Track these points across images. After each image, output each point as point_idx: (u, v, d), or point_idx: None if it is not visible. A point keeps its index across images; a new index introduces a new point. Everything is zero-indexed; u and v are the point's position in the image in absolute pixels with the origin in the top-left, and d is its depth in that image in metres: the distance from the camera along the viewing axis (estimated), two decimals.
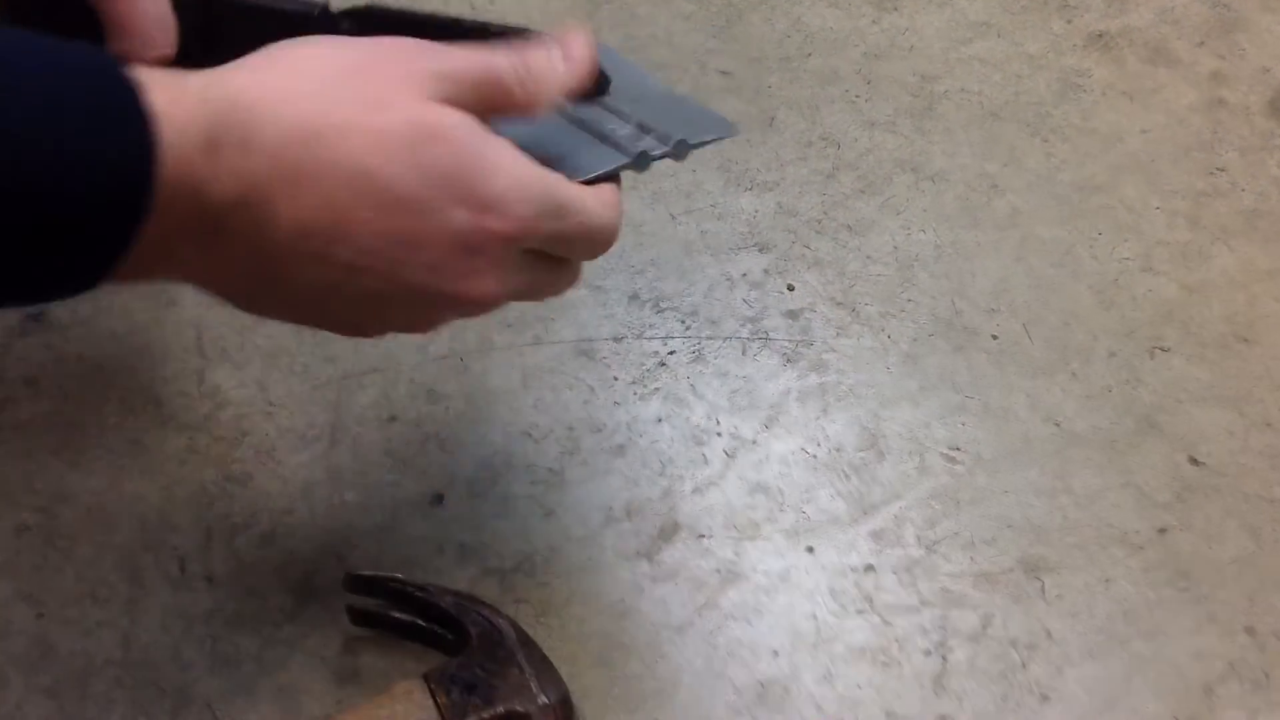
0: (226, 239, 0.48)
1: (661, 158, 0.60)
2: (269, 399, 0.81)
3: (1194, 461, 0.81)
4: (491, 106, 0.54)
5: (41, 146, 0.42)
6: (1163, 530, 0.78)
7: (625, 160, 0.59)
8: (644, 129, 0.60)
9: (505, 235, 0.52)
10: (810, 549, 0.77)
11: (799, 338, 0.86)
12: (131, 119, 0.44)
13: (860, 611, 0.75)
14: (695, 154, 0.93)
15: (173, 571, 0.75)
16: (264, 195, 0.48)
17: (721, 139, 0.63)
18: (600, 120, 0.61)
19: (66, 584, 0.74)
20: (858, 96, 1.00)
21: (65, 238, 0.44)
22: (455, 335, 0.84)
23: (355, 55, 0.51)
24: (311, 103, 0.49)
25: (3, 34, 0.45)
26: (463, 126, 0.51)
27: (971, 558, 0.77)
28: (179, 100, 0.46)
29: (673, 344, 0.86)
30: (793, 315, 0.88)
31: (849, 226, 0.92)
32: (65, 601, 0.73)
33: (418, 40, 0.53)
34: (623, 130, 0.60)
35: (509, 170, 0.52)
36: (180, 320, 0.84)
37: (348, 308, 0.53)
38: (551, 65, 0.55)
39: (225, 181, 0.47)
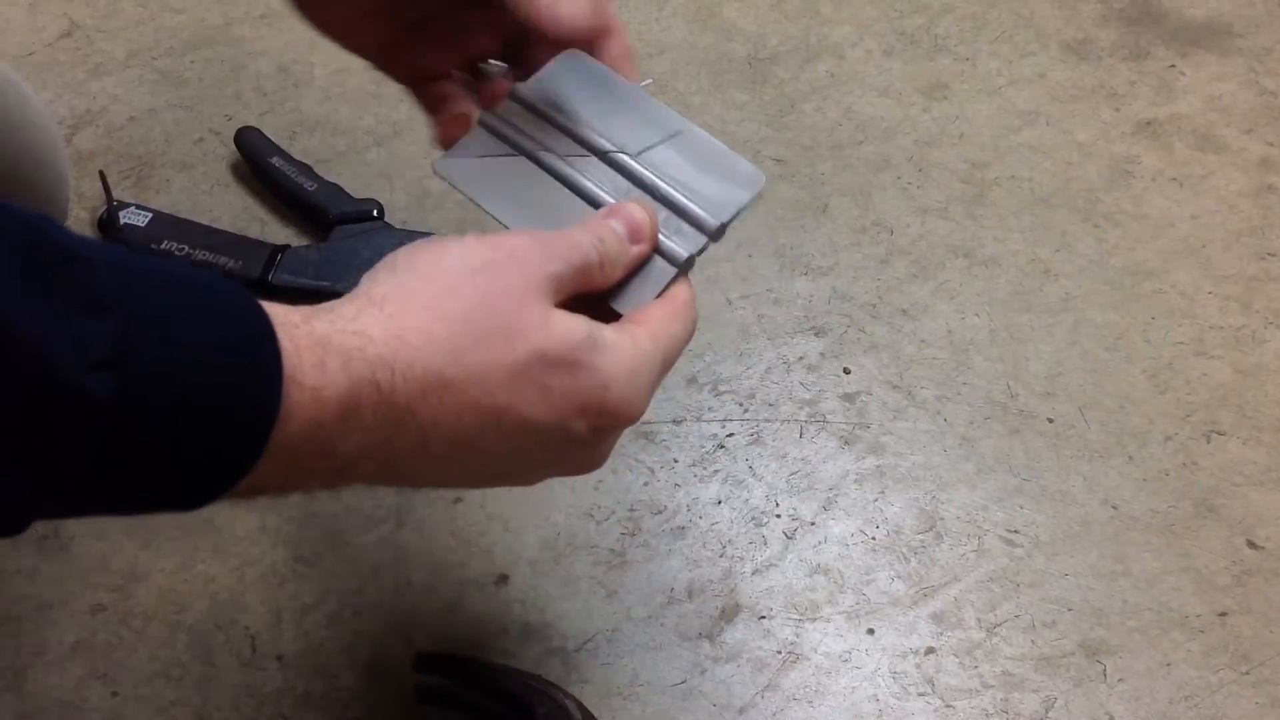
0: (351, 474, 0.51)
1: (702, 252, 0.60)
2: None
3: (1252, 545, 0.81)
4: (581, 290, 0.56)
5: (172, 388, 0.44)
6: (1223, 614, 0.78)
7: (671, 274, 0.59)
8: (675, 208, 0.60)
9: (622, 428, 0.57)
10: (871, 631, 0.78)
11: (856, 420, 0.88)
12: (267, 385, 0.46)
13: (922, 694, 0.75)
14: (750, 240, 0.96)
15: (244, 651, 0.76)
16: (393, 446, 0.51)
17: (753, 200, 0.62)
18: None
19: (140, 663, 0.75)
20: (910, 183, 1.02)
21: (171, 472, 0.45)
22: None
23: (482, 281, 0.52)
24: (446, 350, 0.50)
25: (164, 267, 0.46)
26: (582, 346, 0.53)
27: (1032, 640, 0.77)
28: (323, 365, 0.47)
29: (731, 426, 0.87)
30: (849, 398, 0.89)
31: (903, 311, 0.94)
32: (139, 680, 0.75)
33: (532, 240, 0.55)
34: (661, 222, 0.60)
35: (623, 378, 0.54)
36: None
37: (470, 483, 0.60)
38: (622, 244, 0.58)
39: (356, 437, 0.49)
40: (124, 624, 0.77)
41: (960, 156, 1.04)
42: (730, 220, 0.61)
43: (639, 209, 0.59)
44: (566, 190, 0.61)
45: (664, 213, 0.60)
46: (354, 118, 1.06)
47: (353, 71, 1.10)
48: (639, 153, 0.62)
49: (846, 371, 0.90)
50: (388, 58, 0.67)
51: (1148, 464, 0.85)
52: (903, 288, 0.95)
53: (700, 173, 0.61)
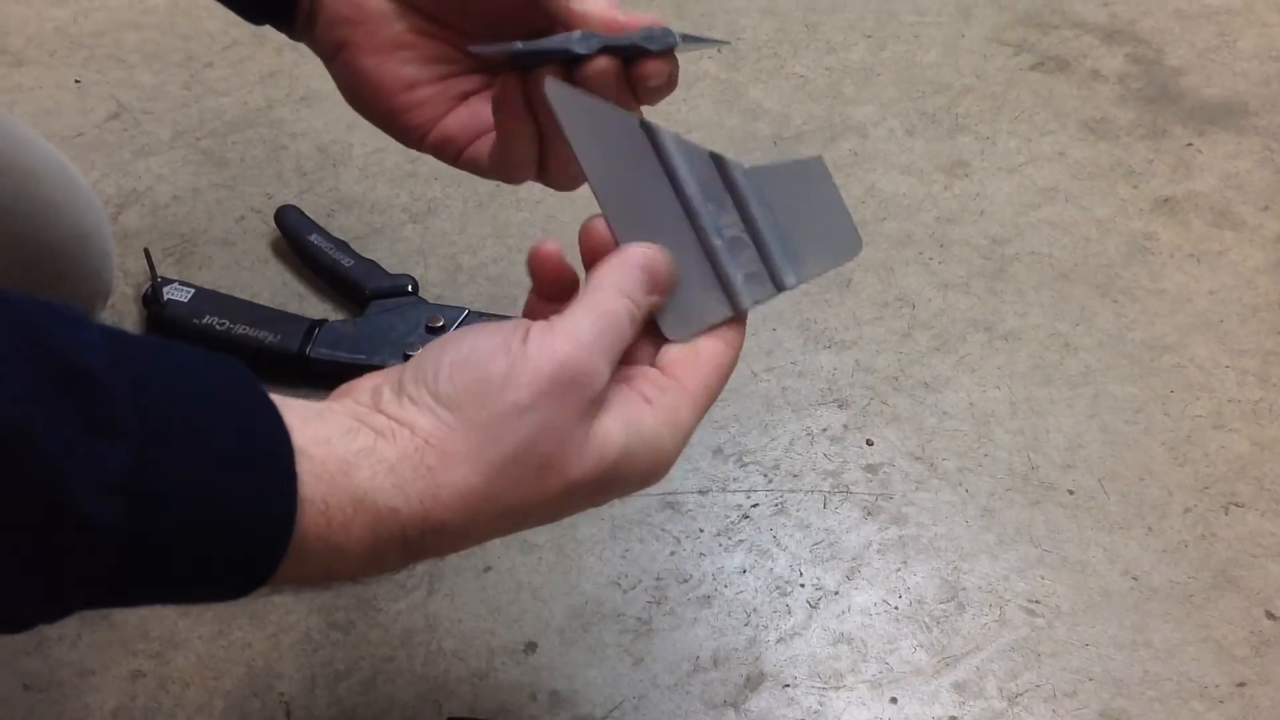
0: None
1: (764, 300, 0.57)
2: None
3: (1271, 616, 0.82)
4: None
5: (183, 519, 0.44)
6: (1242, 684, 0.79)
7: (727, 316, 0.56)
8: (760, 245, 0.57)
9: None
10: (894, 700, 0.79)
11: (879, 491, 0.89)
12: (277, 528, 0.46)
13: None
14: (775, 314, 0.98)
15: (279, 717, 0.78)
16: (409, 564, 0.52)
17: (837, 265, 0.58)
18: (716, 223, 0.56)
19: None
20: (931, 259, 1.05)
21: (180, 589, 0.46)
22: None
23: (529, 421, 0.49)
24: (479, 501, 0.49)
25: (193, 384, 0.46)
26: (615, 464, 0.51)
27: (1054, 710, 0.78)
28: (349, 527, 0.47)
29: (756, 497, 0.89)
30: (872, 469, 0.90)
31: (925, 384, 0.96)
32: None
33: (582, 351, 0.50)
34: (738, 253, 0.56)
35: (650, 469, 0.53)
36: None
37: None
38: (649, 300, 0.54)
39: (373, 568, 0.50)
40: (163, 690, 0.79)
41: (981, 233, 1.07)
42: (802, 281, 0.57)
43: (660, 256, 0.55)
44: (663, 175, 0.56)
45: (748, 247, 0.57)
46: (390, 196, 1.10)
47: (389, 151, 1.13)
48: (750, 166, 0.57)
49: (869, 443, 0.92)
50: (432, 132, 0.66)
51: (1167, 535, 0.86)
52: (925, 361, 0.97)
53: (803, 215, 0.57)
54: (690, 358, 0.55)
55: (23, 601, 0.43)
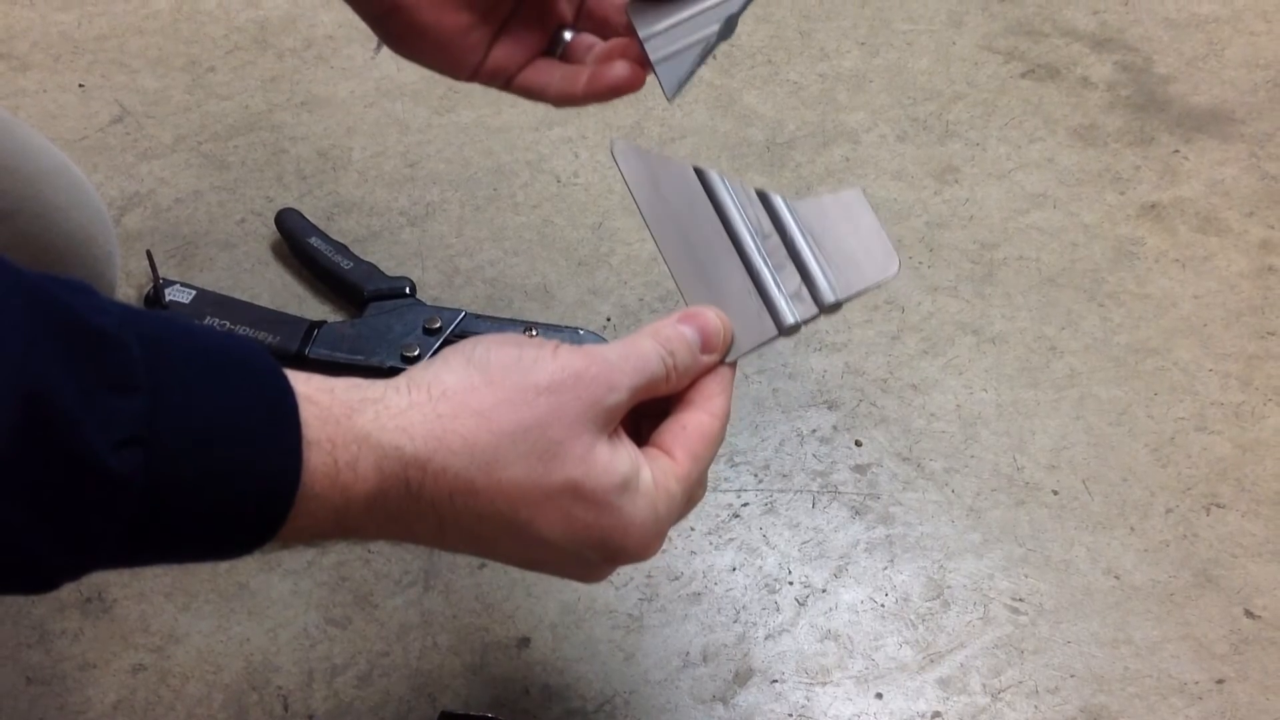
0: (369, 539, 0.53)
1: (810, 321, 0.61)
2: (367, 546, 0.87)
3: (1250, 614, 0.84)
4: (647, 398, 0.58)
5: (194, 468, 0.46)
6: (1221, 681, 0.81)
7: (772, 335, 0.61)
8: (802, 268, 0.61)
9: (632, 563, 0.59)
10: (879, 695, 0.80)
11: (867, 491, 0.91)
12: (283, 479, 0.49)
13: None
14: None
15: (276, 710, 0.79)
16: (411, 530, 0.54)
17: (879, 286, 0.62)
18: (760, 250, 0.62)
19: None
20: (921, 263, 1.06)
21: (195, 540, 0.49)
22: None
23: (543, 403, 0.53)
24: (483, 462, 0.52)
25: (202, 344, 0.49)
26: (615, 489, 0.54)
27: (1036, 706, 0.80)
28: (355, 464, 0.50)
29: (746, 496, 0.91)
30: (860, 470, 0.92)
31: (914, 386, 0.97)
32: None
33: (603, 367, 0.55)
34: (782, 277, 0.61)
35: (647, 525, 0.56)
36: None
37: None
38: (693, 354, 0.59)
39: (378, 520, 0.52)
40: (163, 683, 0.81)
41: (970, 237, 1.08)
42: (848, 300, 0.61)
43: (715, 318, 0.60)
44: (712, 211, 0.62)
45: (790, 268, 0.61)
46: (389, 199, 1.11)
47: (388, 155, 1.15)
48: (792, 198, 0.63)
49: (858, 444, 0.94)
50: (484, 63, 0.70)
51: (1149, 535, 0.88)
52: (913, 363, 0.99)
53: (842, 238, 0.62)
54: (677, 431, 0.59)
55: (50, 559, 0.45)
